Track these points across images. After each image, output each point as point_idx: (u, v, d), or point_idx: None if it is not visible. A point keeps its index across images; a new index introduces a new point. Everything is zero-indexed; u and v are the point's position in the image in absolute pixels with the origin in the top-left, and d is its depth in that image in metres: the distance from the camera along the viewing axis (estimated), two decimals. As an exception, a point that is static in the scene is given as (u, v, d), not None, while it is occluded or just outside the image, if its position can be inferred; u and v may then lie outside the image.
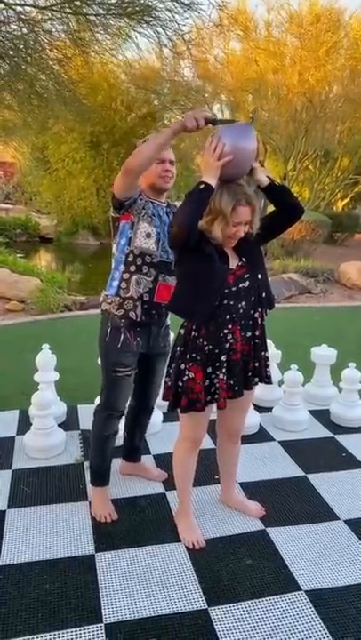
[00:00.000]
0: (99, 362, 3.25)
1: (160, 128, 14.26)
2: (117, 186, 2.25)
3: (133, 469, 2.79)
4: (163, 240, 2.35)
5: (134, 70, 14.07)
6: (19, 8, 5.57)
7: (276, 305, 2.25)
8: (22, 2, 5.59)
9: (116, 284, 2.36)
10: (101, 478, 2.53)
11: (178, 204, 2.50)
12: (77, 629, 1.84)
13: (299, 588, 2.05)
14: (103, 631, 1.83)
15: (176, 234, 1.99)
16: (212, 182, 1.97)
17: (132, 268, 2.32)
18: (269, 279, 2.25)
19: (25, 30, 5.79)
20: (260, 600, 1.99)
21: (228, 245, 2.10)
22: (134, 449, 2.76)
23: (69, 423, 3.35)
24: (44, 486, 2.70)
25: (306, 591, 2.04)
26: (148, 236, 2.32)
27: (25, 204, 16.95)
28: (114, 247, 2.42)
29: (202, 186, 1.97)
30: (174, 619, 1.90)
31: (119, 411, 2.48)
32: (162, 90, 14.46)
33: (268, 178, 2.13)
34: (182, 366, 2.13)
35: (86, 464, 2.88)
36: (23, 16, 5.65)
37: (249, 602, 1.98)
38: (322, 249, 11.64)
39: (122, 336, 2.36)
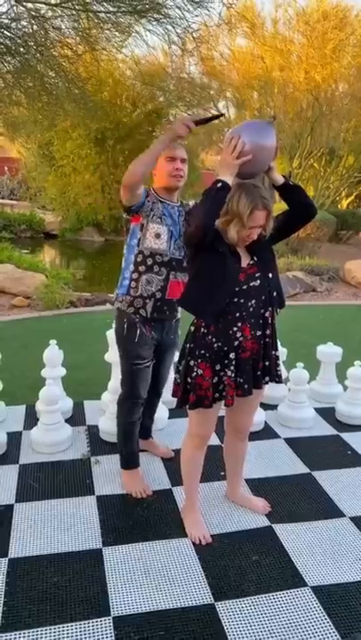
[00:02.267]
0: (105, 358, 3.30)
1: (165, 125, 14.24)
2: (122, 195, 2.35)
3: (144, 445, 2.92)
4: (175, 238, 2.43)
5: (140, 66, 14.03)
6: (29, 5, 5.57)
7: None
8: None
9: (126, 283, 2.48)
10: (132, 462, 2.69)
11: (191, 202, 2.54)
12: (86, 622, 1.86)
13: (305, 584, 2.07)
14: (111, 624, 1.85)
15: (193, 233, 1.99)
16: (229, 180, 1.97)
17: (142, 268, 2.42)
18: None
19: (35, 27, 5.79)
20: (266, 595, 2.01)
21: (241, 245, 2.11)
22: (145, 427, 2.89)
23: (75, 419, 3.37)
24: (51, 481, 2.72)
25: (312, 587, 2.06)
26: (158, 236, 2.40)
27: (29, 199, 16.91)
28: (125, 247, 2.52)
29: (219, 184, 1.96)
30: (181, 613, 1.92)
31: (141, 398, 2.60)
32: (167, 86, 14.41)
33: (283, 177, 2.13)
34: (191, 363, 2.14)
35: (93, 459, 2.91)
36: (34, 13, 5.65)
37: (255, 597, 2.00)
38: (327, 247, 11.63)
39: (138, 331, 2.47)
